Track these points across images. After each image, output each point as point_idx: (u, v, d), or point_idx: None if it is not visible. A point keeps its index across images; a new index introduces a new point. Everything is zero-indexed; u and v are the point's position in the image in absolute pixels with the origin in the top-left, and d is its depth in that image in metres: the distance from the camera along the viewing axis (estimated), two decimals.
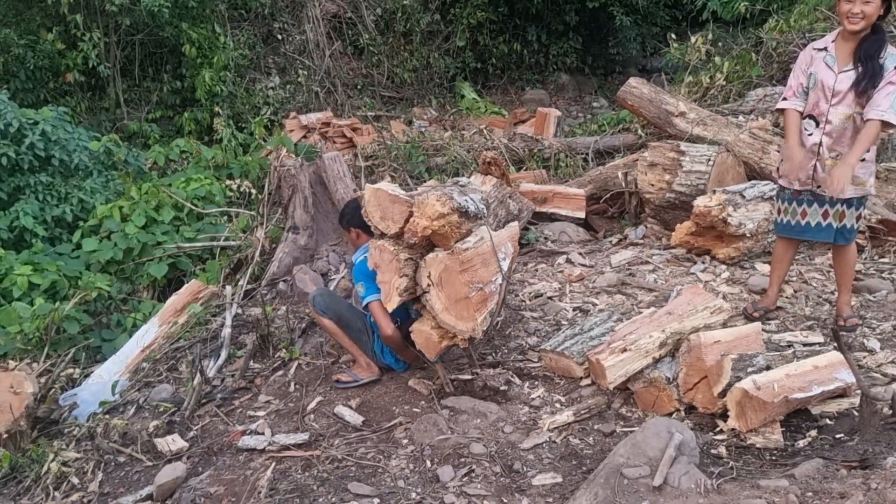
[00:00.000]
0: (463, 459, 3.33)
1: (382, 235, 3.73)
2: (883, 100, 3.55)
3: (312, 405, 3.97)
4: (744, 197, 5.13)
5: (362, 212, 3.77)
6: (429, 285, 3.62)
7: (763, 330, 3.84)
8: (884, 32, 3.63)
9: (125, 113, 10.56)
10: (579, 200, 6.25)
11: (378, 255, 3.69)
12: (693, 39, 8.55)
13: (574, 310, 4.65)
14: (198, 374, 4.22)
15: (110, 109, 10.56)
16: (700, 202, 5.18)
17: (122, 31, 10.33)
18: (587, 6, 12.84)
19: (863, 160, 3.70)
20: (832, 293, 4.57)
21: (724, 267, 5.08)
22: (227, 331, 4.71)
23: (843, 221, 3.88)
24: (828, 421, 3.27)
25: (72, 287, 5.63)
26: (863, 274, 4.82)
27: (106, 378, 4.58)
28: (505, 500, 3.07)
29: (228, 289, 5.22)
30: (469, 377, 3.99)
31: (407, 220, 3.59)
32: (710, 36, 8.59)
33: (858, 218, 3.89)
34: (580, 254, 5.58)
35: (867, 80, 3.59)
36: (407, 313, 3.98)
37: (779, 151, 4.38)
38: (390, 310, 3.70)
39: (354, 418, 3.77)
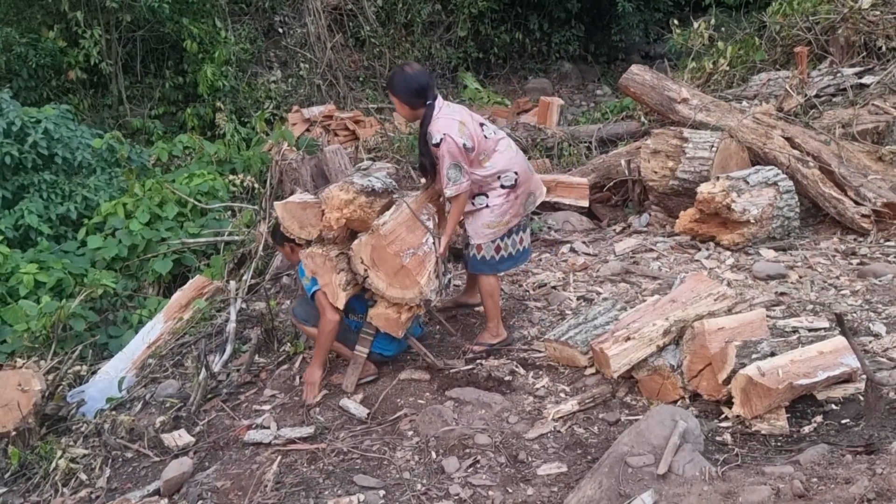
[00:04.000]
0: (468, 450, 3.33)
1: (309, 244, 3.86)
2: (443, 178, 3.80)
3: (317, 398, 3.97)
4: (748, 183, 5.10)
5: (281, 228, 3.91)
6: (365, 269, 3.71)
7: (768, 316, 3.83)
8: (429, 111, 3.82)
9: (128, 110, 10.57)
10: (582, 189, 6.23)
11: (311, 262, 3.80)
12: (696, 25, 8.49)
13: (578, 299, 4.64)
14: (203, 370, 4.23)
15: (113, 106, 10.56)
16: (704, 189, 5.16)
17: (123, 28, 10.32)
18: None
19: (486, 206, 3.98)
20: (837, 278, 4.55)
21: (728, 253, 5.06)
22: (231, 326, 4.71)
23: (481, 253, 4.06)
24: (833, 406, 3.26)
25: (77, 285, 5.65)
26: (868, 258, 4.79)
27: (113, 375, 4.60)
28: (510, 491, 3.07)
29: (233, 284, 5.22)
30: (470, 367, 4.00)
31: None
32: (712, 21, 8.53)
33: (498, 249, 4.06)
34: (584, 243, 5.57)
35: (428, 158, 3.91)
36: (364, 306, 3.97)
37: None
38: (340, 306, 3.76)
39: (359, 411, 3.78)
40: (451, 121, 3.80)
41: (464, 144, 3.77)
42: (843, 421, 3.13)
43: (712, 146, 5.49)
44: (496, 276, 4.16)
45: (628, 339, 3.51)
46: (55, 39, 9.74)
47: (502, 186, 3.96)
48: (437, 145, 3.76)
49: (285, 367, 4.37)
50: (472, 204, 3.97)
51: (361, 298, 3.95)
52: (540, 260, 5.37)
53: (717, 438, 3.15)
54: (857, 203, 5.19)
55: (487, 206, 3.97)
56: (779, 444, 3.07)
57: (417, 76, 3.82)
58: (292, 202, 3.92)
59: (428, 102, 3.81)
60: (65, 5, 9.27)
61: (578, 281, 4.90)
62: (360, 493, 3.15)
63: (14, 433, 4.02)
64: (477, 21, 12.94)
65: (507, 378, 3.90)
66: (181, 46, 10.34)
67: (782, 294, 4.37)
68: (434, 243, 3.79)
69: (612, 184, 6.37)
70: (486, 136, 3.92)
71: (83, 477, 3.75)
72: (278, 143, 6.64)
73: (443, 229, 3.93)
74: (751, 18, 9.32)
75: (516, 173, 3.98)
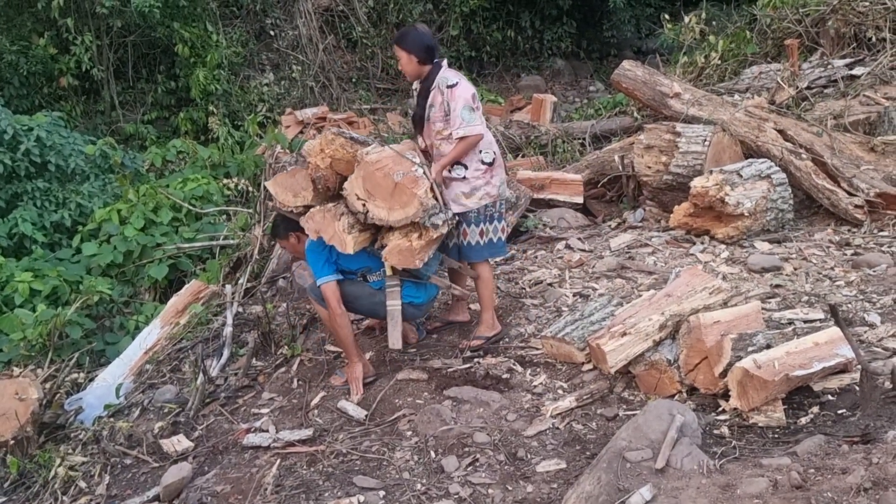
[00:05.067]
0: (467, 449, 3.34)
1: (306, 210, 3.90)
2: (456, 119, 3.91)
3: (316, 400, 3.98)
4: (741, 176, 5.11)
5: (277, 204, 3.95)
6: (363, 204, 3.72)
7: (763, 308, 3.84)
8: (436, 68, 4.02)
9: (121, 115, 10.56)
10: (577, 186, 6.23)
11: (312, 222, 3.82)
12: (687, 19, 8.49)
13: (574, 295, 4.64)
14: (201, 374, 4.23)
15: (106, 112, 10.56)
16: (697, 183, 5.16)
17: (114, 34, 10.31)
18: None
19: (464, 178, 4.01)
20: (832, 269, 4.56)
21: (723, 247, 5.07)
22: (228, 330, 4.72)
23: (467, 238, 4.10)
24: (829, 397, 3.26)
25: (73, 292, 5.66)
26: (863, 248, 4.81)
27: (110, 381, 4.60)
28: (509, 488, 3.08)
29: (229, 288, 5.22)
30: (467, 366, 4.00)
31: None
32: (703, 15, 8.52)
33: (482, 234, 4.10)
34: (579, 239, 5.57)
35: (423, 111, 4.06)
36: (379, 261, 3.90)
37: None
38: (350, 251, 3.72)
39: (358, 412, 3.78)
40: (460, 75, 4.10)
41: (473, 94, 3.99)
42: (840, 411, 3.14)
43: (705, 140, 5.49)
44: (489, 264, 4.27)
45: (625, 334, 3.51)
46: (46, 46, 9.74)
47: (482, 162, 4.06)
48: (453, 87, 3.95)
49: (283, 369, 4.37)
50: (450, 171, 4.03)
51: (374, 255, 3.89)
52: (536, 257, 5.38)
53: (715, 431, 3.16)
54: (850, 194, 5.20)
55: (464, 177, 4.03)
56: (776, 435, 3.08)
57: (428, 35, 4.15)
58: (280, 174, 4.07)
59: (435, 60, 4.05)
60: (55, 12, 9.26)
61: (574, 277, 4.91)
62: (359, 494, 3.16)
63: (12, 442, 4.02)
64: (469, 19, 12.93)
65: (504, 376, 3.90)
66: (173, 51, 10.34)
67: (777, 286, 4.38)
68: (425, 172, 3.85)
69: (606, 180, 6.37)
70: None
71: (82, 484, 3.75)
72: (271, 145, 6.63)
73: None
74: (741, 12, 9.34)
75: (495, 152, 4.14)
